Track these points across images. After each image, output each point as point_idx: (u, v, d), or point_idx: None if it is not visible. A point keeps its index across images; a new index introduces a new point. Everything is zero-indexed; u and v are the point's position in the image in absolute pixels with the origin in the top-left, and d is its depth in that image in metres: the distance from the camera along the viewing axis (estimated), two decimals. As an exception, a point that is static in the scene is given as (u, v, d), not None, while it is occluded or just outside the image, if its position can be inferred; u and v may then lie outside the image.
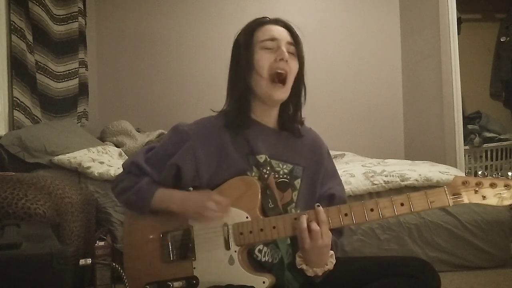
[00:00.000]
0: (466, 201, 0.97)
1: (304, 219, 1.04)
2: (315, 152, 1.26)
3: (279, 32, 1.17)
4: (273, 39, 1.15)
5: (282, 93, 1.17)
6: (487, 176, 0.97)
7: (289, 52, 1.16)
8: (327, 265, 1.07)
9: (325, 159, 1.27)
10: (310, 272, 1.07)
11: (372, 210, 1.02)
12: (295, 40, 1.19)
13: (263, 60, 1.15)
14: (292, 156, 1.22)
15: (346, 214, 1.03)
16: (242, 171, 1.16)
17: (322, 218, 1.03)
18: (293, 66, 1.18)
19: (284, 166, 1.20)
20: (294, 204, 1.19)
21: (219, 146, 1.18)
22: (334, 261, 1.09)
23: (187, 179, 1.17)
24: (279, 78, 1.15)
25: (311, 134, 1.30)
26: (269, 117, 1.23)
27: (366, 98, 3.96)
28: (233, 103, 1.20)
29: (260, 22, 1.19)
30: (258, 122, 1.21)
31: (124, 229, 1.26)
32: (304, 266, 1.07)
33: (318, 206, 1.05)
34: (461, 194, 0.97)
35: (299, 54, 1.19)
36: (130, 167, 1.20)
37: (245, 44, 1.17)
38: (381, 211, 1.01)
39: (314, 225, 1.02)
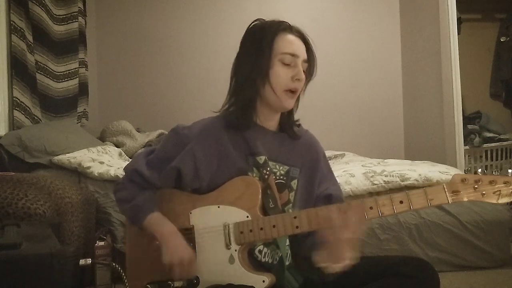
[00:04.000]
0: (465, 198, 0.96)
1: (334, 209, 1.00)
2: (311, 153, 1.26)
3: (299, 47, 1.16)
4: (293, 55, 1.14)
5: (292, 102, 1.18)
6: (486, 174, 0.96)
7: (303, 70, 1.17)
8: (348, 260, 1.02)
9: (321, 161, 1.28)
10: (331, 269, 1.02)
11: (371, 208, 1.02)
12: (310, 58, 1.19)
13: (281, 77, 1.14)
14: (289, 158, 1.22)
15: (345, 213, 1.03)
16: (242, 172, 1.16)
17: (356, 210, 1.00)
18: (303, 81, 1.18)
19: (281, 168, 1.21)
20: (291, 204, 1.19)
21: (219, 147, 1.18)
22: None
23: (188, 181, 1.17)
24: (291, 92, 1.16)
25: (308, 136, 1.30)
26: (271, 121, 1.23)
27: (366, 98, 3.96)
28: (238, 104, 1.19)
29: (282, 29, 1.17)
30: (258, 125, 1.21)
31: (126, 230, 1.27)
32: (324, 264, 1.02)
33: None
34: (460, 192, 0.96)
35: (310, 71, 1.20)
36: (132, 175, 1.20)
37: (263, 50, 1.14)
38: (380, 209, 1.01)
39: (346, 216, 0.99)
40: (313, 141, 1.30)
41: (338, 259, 1.00)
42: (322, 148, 1.31)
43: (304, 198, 1.21)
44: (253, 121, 1.20)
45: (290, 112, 1.25)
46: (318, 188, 1.23)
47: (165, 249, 1.11)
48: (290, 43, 1.15)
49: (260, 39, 1.15)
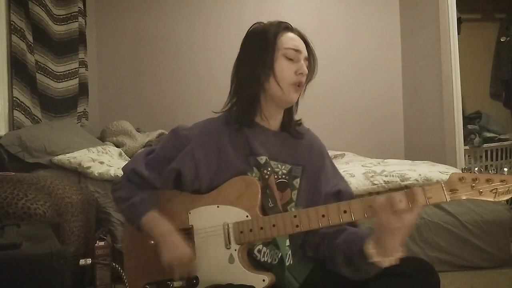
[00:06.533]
0: (463, 196, 0.97)
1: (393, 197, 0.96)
2: (314, 151, 1.27)
3: (301, 44, 1.20)
4: (297, 50, 1.17)
5: (297, 96, 1.20)
6: (483, 172, 0.97)
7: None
8: (400, 252, 1.00)
9: (326, 158, 1.28)
10: (386, 262, 1.00)
11: (370, 207, 1.02)
12: (310, 57, 1.22)
13: (285, 71, 1.16)
14: (290, 157, 1.23)
15: (345, 211, 1.03)
16: (242, 172, 1.16)
17: (420, 200, 0.95)
18: (306, 75, 1.21)
19: (283, 167, 1.21)
20: (294, 203, 1.19)
21: (218, 148, 1.18)
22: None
23: (188, 182, 1.17)
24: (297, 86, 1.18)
25: (310, 135, 1.31)
26: (275, 120, 1.23)
27: (366, 98, 3.97)
28: (242, 102, 1.19)
29: (285, 27, 1.20)
30: (259, 124, 1.21)
31: (124, 229, 1.26)
32: (377, 258, 0.99)
33: (407, 189, 0.98)
34: (458, 190, 0.97)
35: (310, 70, 1.22)
36: (130, 175, 1.20)
37: (267, 46, 1.16)
38: None
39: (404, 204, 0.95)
40: (315, 140, 1.30)
41: (392, 251, 0.98)
42: (324, 146, 1.31)
43: (308, 197, 1.20)
44: (255, 120, 1.20)
45: (291, 112, 1.26)
46: (326, 186, 1.22)
47: (163, 249, 1.11)
48: (292, 39, 1.18)
49: (263, 36, 1.18)
